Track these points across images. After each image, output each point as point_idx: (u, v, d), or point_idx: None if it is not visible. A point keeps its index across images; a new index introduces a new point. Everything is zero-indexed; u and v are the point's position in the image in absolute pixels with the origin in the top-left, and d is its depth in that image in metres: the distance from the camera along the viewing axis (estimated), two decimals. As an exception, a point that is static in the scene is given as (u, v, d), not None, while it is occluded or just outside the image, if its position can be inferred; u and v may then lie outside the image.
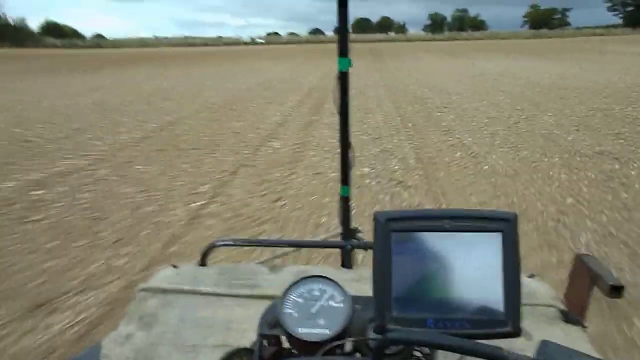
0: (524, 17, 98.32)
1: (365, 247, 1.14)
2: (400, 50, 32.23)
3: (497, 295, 0.54)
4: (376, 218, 0.56)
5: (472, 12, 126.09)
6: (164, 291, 0.86)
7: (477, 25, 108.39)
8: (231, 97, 10.33)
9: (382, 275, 0.55)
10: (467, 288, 0.54)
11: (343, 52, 1.18)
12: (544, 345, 0.53)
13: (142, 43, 64.78)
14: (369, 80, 13.00)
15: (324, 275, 0.62)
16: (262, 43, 67.26)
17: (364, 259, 1.61)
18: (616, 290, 0.69)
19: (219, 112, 8.40)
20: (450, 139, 5.99)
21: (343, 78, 1.20)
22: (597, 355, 0.56)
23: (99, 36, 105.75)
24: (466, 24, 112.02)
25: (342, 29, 1.16)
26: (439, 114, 7.76)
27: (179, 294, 0.85)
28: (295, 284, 0.61)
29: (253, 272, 0.93)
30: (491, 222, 0.56)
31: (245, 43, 67.82)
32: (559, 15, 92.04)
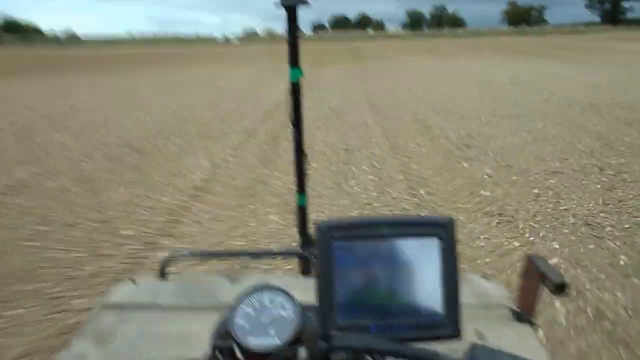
0: (502, 13, 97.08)
1: None
2: (382, 49, 29.32)
3: (437, 299, 0.57)
4: (318, 227, 0.58)
5: (450, 9, 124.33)
6: (122, 306, 0.84)
7: (456, 22, 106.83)
8: (151, 125, 7.12)
9: (325, 284, 0.57)
10: (408, 293, 0.57)
11: (294, 62, 1.17)
12: (473, 347, 0.51)
13: (109, 41, 60.04)
14: (350, 92, 10.00)
15: (279, 284, 0.61)
16: (236, 42, 63.56)
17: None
18: (560, 288, 0.70)
19: (102, 165, 5.22)
20: (516, 244, 3.02)
21: (295, 89, 1.21)
22: (545, 354, 0.69)
23: (71, 34, 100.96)
24: (445, 21, 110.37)
25: (292, 39, 1.15)
26: (465, 164, 4.73)
27: (137, 309, 0.83)
28: (246, 294, 0.59)
29: (213, 283, 0.92)
30: (428, 228, 0.59)
31: (218, 42, 64.05)
32: (536, 13, 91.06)
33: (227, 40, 64.88)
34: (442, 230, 0.58)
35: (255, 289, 0.60)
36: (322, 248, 0.57)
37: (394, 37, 63.45)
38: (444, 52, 23.98)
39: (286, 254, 1.73)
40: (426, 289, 0.57)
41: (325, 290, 0.57)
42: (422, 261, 0.57)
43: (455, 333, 0.57)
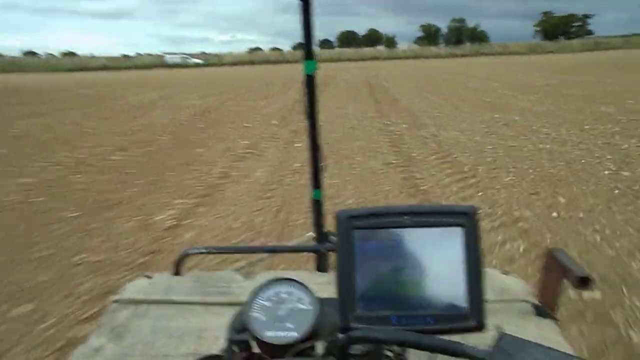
0: (535, 26, 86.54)
1: None
2: (409, 82, 19.68)
3: (460, 290, 0.54)
4: (338, 216, 0.56)
5: (470, 23, 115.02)
6: (137, 302, 0.85)
7: (478, 37, 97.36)
8: None
9: (345, 274, 0.55)
10: (431, 283, 0.55)
11: (309, 54, 1.16)
12: (500, 337, 0.48)
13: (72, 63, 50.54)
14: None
15: (294, 278, 0.60)
16: (197, 64, 50.43)
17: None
18: (584, 282, 0.68)
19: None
20: None
21: (310, 81, 1.18)
22: (568, 347, 0.65)
23: (70, 53, 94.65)
24: (464, 35, 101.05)
25: (307, 30, 1.13)
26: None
27: (152, 305, 0.84)
28: (262, 287, 0.59)
29: (227, 280, 0.92)
30: (451, 217, 0.56)
31: (169, 65, 48.54)
32: (578, 23, 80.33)
33: (184, 63, 50.37)
34: (465, 219, 0.56)
35: (272, 282, 0.59)
36: (341, 237, 0.56)
37: (409, 56, 53.89)
38: (503, 98, 14.18)
39: (302, 250, 1.58)
40: (449, 279, 0.54)
41: (345, 280, 0.55)
42: (445, 251, 0.55)
43: (479, 326, 0.54)
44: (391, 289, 0.55)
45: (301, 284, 0.58)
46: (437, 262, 0.55)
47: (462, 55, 52.29)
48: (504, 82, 15.00)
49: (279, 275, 0.62)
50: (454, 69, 25.11)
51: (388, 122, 7.79)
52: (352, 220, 0.56)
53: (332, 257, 1.20)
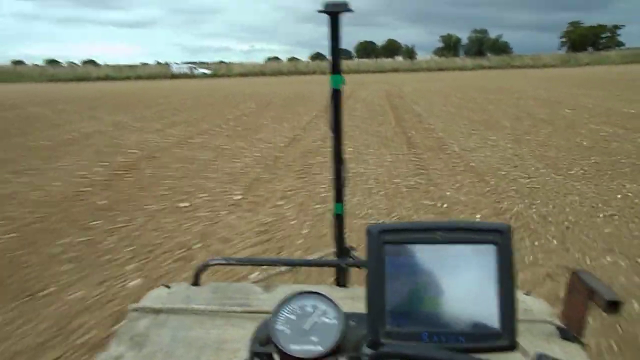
0: (560, 37, 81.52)
1: (359, 265, 1.13)
2: (446, 105, 15.91)
3: (492, 309, 0.54)
4: (369, 230, 0.56)
5: (492, 34, 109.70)
6: (156, 311, 0.85)
7: (500, 48, 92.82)
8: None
9: (375, 288, 0.55)
10: (462, 301, 0.54)
11: (336, 69, 1.18)
12: (539, 357, 0.50)
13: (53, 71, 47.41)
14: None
15: (319, 292, 0.60)
16: (205, 74, 46.81)
17: (358, 278, 1.17)
18: (613, 306, 0.65)
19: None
20: None
21: (336, 96, 1.21)
22: None
23: (91, 62, 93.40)
24: (486, 46, 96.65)
25: (334, 46, 1.15)
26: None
27: (171, 314, 0.84)
28: (287, 300, 0.59)
29: (246, 291, 0.92)
30: (484, 234, 0.55)
31: (173, 76, 45.51)
32: (607, 34, 75.05)
33: (191, 73, 46.70)
34: (499, 236, 0.55)
35: (297, 295, 0.58)
36: (372, 252, 0.56)
37: (432, 68, 49.95)
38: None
39: (323, 264, 1.60)
40: (481, 297, 0.54)
41: (375, 295, 0.55)
42: (477, 268, 0.54)
43: (511, 345, 0.53)
44: (422, 306, 0.54)
45: (327, 297, 0.58)
46: (469, 280, 0.54)
47: (489, 67, 48.20)
48: (576, 106, 11.06)
49: (298, 289, 0.61)
50: (490, 84, 21.18)
51: (443, 206, 4.05)
52: (383, 235, 0.55)
53: (353, 272, 1.24)
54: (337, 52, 1.16)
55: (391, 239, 0.55)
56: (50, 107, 15.39)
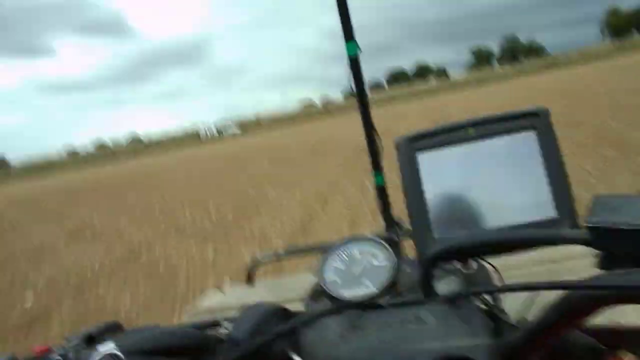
0: (601, 24, 76.18)
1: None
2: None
3: (545, 196, 0.49)
4: (397, 143, 0.53)
5: (522, 38, 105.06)
6: (212, 312, 0.86)
7: (535, 51, 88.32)
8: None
9: (415, 200, 0.52)
10: (511, 195, 0.50)
11: (348, 36, 1.15)
12: (595, 200, 0.41)
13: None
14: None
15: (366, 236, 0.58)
16: (234, 134, 47.45)
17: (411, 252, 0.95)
18: None
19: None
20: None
21: (354, 63, 1.18)
22: None
23: (136, 139, 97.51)
24: (520, 52, 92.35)
25: (344, 12, 1.13)
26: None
27: (227, 314, 0.76)
28: (333, 249, 0.56)
29: (302, 282, 0.86)
30: (521, 120, 0.51)
31: (202, 141, 45.50)
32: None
33: (220, 134, 46.60)
34: (537, 120, 0.50)
35: (342, 243, 0.57)
36: (404, 164, 0.52)
37: (461, 86, 46.87)
38: None
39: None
40: (530, 186, 0.49)
41: (415, 207, 0.51)
42: (521, 158, 0.50)
43: (574, 226, 0.48)
44: (469, 207, 0.50)
45: (374, 240, 0.56)
46: (514, 172, 0.50)
47: (531, 72, 44.46)
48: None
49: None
50: (559, 85, 17.97)
51: None
52: (413, 144, 0.52)
53: (404, 245, 1.21)
54: (347, 17, 1.15)
55: (422, 146, 0.52)
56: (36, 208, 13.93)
